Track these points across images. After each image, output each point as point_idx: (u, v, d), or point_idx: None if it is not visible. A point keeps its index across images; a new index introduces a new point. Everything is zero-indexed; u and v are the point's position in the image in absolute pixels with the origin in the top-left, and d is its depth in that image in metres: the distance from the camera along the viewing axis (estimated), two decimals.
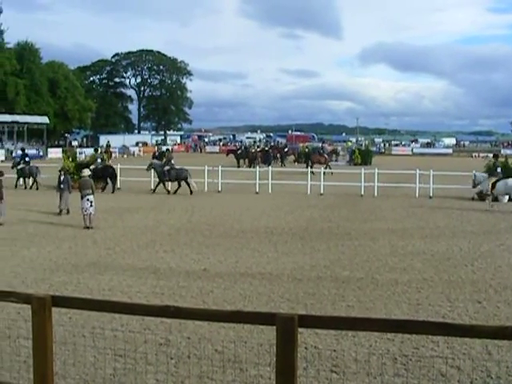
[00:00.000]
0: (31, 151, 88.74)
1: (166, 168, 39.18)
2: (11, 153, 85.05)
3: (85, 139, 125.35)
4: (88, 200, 24.96)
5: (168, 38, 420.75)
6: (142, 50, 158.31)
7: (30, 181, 42.61)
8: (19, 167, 43.09)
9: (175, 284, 15.36)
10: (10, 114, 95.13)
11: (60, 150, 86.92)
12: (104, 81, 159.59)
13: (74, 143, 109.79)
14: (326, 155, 58.72)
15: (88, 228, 24.53)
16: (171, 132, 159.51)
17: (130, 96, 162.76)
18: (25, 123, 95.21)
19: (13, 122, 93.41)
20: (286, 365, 5.62)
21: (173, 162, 40.18)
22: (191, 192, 37.85)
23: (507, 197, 32.73)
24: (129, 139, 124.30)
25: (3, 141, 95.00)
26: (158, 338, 10.89)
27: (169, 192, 38.70)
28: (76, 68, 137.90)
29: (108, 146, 76.05)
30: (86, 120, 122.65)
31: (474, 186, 33.92)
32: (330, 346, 10.86)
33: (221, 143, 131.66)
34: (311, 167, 49.22)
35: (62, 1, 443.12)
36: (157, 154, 57.68)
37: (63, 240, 22.02)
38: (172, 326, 11.50)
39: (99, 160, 41.27)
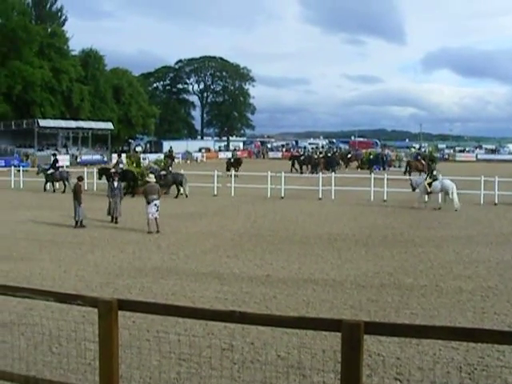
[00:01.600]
0: (95, 157, 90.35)
1: (163, 173, 40.33)
2: (76, 158, 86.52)
3: (148, 145, 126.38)
4: (155, 205, 25.30)
5: (231, 44, 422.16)
6: (205, 57, 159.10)
7: (57, 185, 44.96)
8: (49, 172, 45.29)
9: (238, 290, 15.40)
10: (74, 120, 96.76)
11: (124, 155, 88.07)
12: (167, 87, 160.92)
13: (138, 149, 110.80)
14: (423, 161, 58.45)
15: (151, 232, 24.81)
16: (234, 138, 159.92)
17: (192, 102, 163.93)
18: (89, 129, 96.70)
19: (78, 128, 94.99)
20: (351, 372, 5.59)
21: (170, 168, 42.35)
22: (186, 196, 39.39)
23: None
24: (192, 145, 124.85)
25: (68, 146, 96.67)
26: (221, 342, 10.92)
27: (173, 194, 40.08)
28: (140, 74, 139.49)
29: (170, 151, 76.54)
30: (149, 126, 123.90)
31: (413, 189, 36.24)
32: (394, 353, 10.77)
33: (283, 149, 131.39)
34: (409, 174, 49.15)
35: (125, 8, 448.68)
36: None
37: (127, 244, 22.30)
38: (235, 331, 11.54)
39: (121, 165, 43.42)
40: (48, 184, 45.17)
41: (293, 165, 63.20)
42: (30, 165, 71.74)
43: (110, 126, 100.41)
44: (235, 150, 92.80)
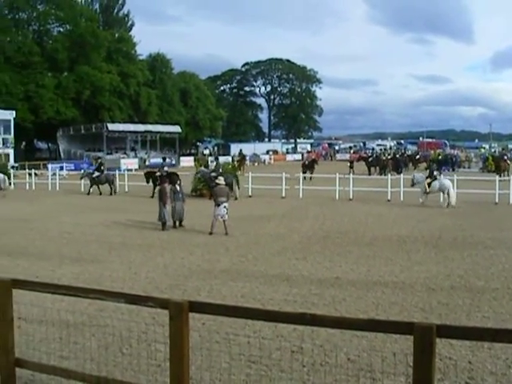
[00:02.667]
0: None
1: (213, 174, 40.57)
2: (144, 161, 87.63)
3: (216, 148, 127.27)
4: (224, 207, 25.50)
5: (297, 46, 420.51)
6: (272, 59, 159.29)
7: (100, 187, 45.97)
8: (94, 175, 46.47)
9: (307, 292, 15.36)
10: (143, 123, 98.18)
11: (192, 158, 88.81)
12: (234, 90, 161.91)
13: (206, 152, 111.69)
14: (508, 161, 58.16)
15: (211, 233, 25.05)
16: (301, 140, 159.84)
17: (260, 105, 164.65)
18: (157, 132, 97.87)
19: (146, 132, 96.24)
20: (423, 375, 5.55)
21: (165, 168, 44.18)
22: (236, 198, 39.27)
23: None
24: (259, 147, 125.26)
25: (136, 150, 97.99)
26: (290, 345, 10.91)
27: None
28: (207, 78, 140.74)
29: (241, 154, 76.48)
30: (217, 129, 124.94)
31: (413, 185, 37.95)
32: (465, 357, 10.60)
33: (351, 151, 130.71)
34: (500, 175, 48.68)
35: (192, 12, 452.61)
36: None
37: (196, 246, 22.47)
38: (304, 333, 11.51)
39: (165, 168, 44.67)
40: (93, 187, 46.15)
41: (351, 167, 62.37)
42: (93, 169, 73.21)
43: (177, 129, 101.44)
44: (308, 152, 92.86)
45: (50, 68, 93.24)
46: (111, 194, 45.28)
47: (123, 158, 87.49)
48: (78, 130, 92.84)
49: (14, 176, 56.07)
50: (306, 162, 59.38)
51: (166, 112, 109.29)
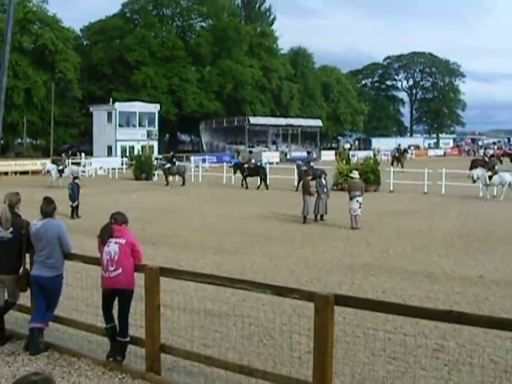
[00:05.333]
0: (305, 153, 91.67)
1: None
2: (285, 155, 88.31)
3: (357, 142, 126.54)
4: (357, 201, 25.34)
5: (439, 39, 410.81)
6: (414, 53, 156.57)
7: (177, 178, 48.47)
8: (166, 166, 48.90)
9: (450, 289, 15.07)
10: (284, 117, 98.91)
11: (332, 152, 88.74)
12: (376, 84, 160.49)
13: (346, 146, 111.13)
14: None
15: (354, 228, 24.94)
16: (443, 135, 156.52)
17: (401, 99, 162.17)
18: (299, 126, 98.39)
19: (287, 125, 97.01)
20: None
21: (253, 160, 47.80)
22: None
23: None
24: (401, 142, 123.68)
25: (278, 143, 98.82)
26: (431, 343, 10.75)
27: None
28: (348, 72, 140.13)
29: (399, 149, 74.23)
30: (358, 123, 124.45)
31: (474, 181, 38.91)
32: None
33: (495, 146, 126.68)
34: None
35: (331, 6, 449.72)
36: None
37: (337, 241, 22.47)
38: (446, 331, 11.32)
39: (253, 160, 47.30)
40: (170, 177, 48.19)
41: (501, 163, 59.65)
42: (240, 161, 74.09)
43: (319, 123, 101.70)
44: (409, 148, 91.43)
45: (193, 62, 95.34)
46: (183, 184, 47.18)
47: (265, 151, 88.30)
48: (221, 123, 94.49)
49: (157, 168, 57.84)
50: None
51: (308, 106, 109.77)
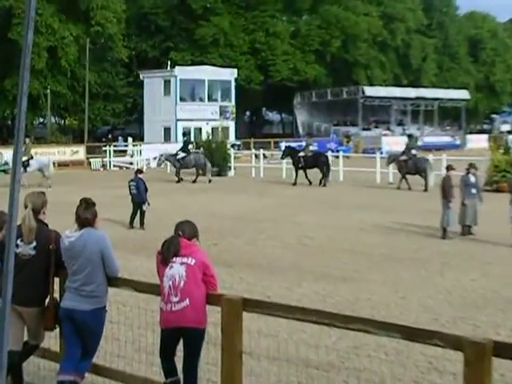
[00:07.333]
0: (444, 138, 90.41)
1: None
2: (416, 140, 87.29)
3: None
4: None
5: None
6: None
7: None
8: (179, 157, 48.90)
9: None
10: (414, 87, 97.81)
11: (484, 137, 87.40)
12: None
13: (504, 128, 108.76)
14: None
15: None
16: None
17: None
18: (435, 99, 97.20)
19: (418, 99, 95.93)
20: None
21: (311, 148, 50.04)
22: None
23: None
24: None
25: (405, 124, 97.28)
26: None
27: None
28: (507, 21, 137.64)
29: None
30: None
31: None
32: None
33: None
34: None
35: None
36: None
37: (491, 264, 22.06)
38: None
39: (311, 148, 49.39)
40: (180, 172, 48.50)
41: None
42: (352, 149, 73.50)
43: (464, 94, 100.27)
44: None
45: (285, 9, 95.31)
46: (195, 181, 47.85)
47: (385, 135, 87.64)
48: (323, 96, 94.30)
49: (234, 158, 57.87)
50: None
51: (448, 71, 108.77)
